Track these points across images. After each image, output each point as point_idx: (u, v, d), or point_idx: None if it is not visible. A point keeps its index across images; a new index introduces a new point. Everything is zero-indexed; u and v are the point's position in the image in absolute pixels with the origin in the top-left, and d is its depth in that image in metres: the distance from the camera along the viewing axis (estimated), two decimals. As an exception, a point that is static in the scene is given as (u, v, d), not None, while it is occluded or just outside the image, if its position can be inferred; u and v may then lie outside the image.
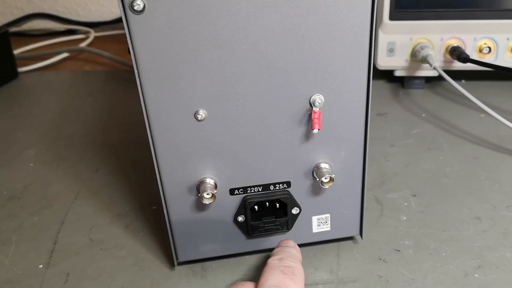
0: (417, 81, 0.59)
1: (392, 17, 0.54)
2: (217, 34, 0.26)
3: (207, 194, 0.30)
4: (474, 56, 0.55)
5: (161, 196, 0.31)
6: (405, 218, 0.38)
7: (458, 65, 0.55)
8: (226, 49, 0.27)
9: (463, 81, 0.60)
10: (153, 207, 0.41)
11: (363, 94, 0.30)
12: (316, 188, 0.32)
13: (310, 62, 0.28)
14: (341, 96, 0.29)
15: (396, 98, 0.57)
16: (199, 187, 0.30)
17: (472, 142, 0.48)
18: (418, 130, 0.51)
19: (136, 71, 0.27)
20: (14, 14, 0.81)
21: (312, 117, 0.29)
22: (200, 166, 0.30)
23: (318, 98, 0.29)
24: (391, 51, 0.56)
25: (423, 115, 0.53)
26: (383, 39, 0.55)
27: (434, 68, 0.51)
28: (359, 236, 0.35)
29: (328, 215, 0.34)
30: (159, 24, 0.26)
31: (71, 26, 0.80)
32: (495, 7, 0.52)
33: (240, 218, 0.32)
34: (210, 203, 0.30)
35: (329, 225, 0.34)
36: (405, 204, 0.40)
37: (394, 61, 0.56)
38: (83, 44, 0.74)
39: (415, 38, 0.55)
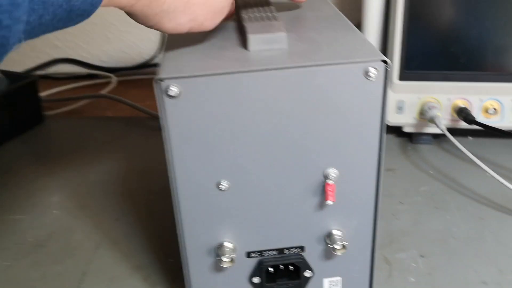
0: (425, 137, 0.61)
1: (402, 78, 0.57)
2: (242, 115, 0.29)
3: (226, 258, 0.32)
4: (480, 115, 0.57)
5: (182, 257, 0.33)
6: (413, 279, 0.40)
7: (465, 124, 0.57)
8: (249, 128, 0.30)
9: (470, 138, 0.62)
10: (170, 260, 0.43)
11: (374, 168, 0.32)
12: (329, 252, 0.34)
13: (325, 140, 0.31)
14: (354, 169, 0.32)
15: (404, 154, 0.59)
16: (218, 250, 0.32)
17: (478, 202, 0.50)
18: (426, 188, 0.52)
19: (167, 146, 0.29)
20: (41, 59, 0.86)
21: (326, 189, 0.31)
22: (220, 230, 0.32)
23: (332, 172, 0.31)
24: (400, 108, 0.58)
25: (431, 172, 0.55)
26: (393, 97, 0.58)
27: (442, 130, 0.53)
28: (369, 298, 0.37)
29: (340, 278, 0.35)
30: (190, 107, 0.28)
31: (94, 71, 0.85)
32: (500, 70, 0.55)
33: (256, 280, 0.34)
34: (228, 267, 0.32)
35: (340, 287, 0.36)
36: (413, 264, 0.41)
37: (403, 118, 0.59)
38: (105, 90, 0.78)
39: (423, 97, 0.57)
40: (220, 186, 0.31)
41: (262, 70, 0.28)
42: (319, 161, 0.31)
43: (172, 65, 0.29)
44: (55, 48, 0.86)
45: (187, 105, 0.28)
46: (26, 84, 0.67)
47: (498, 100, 0.56)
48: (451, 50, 0.55)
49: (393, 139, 0.62)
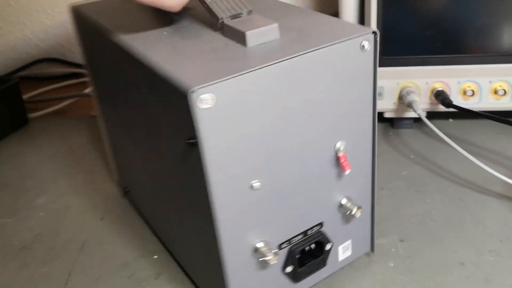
0: (406, 121, 0.61)
1: (380, 64, 0.57)
2: (267, 110, 0.30)
3: (270, 255, 0.32)
4: (458, 98, 0.57)
5: (221, 264, 0.32)
6: (392, 264, 0.41)
7: (444, 107, 0.57)
8: (275, 121, 0.30)
9: (450, 120, 0.62)
10: (155, 256, 0.44)
11: (370, 131, 0.35)
12: (342, 220, 0.37)
13: (334, 116, 0.33)
14: (356, 137, 0.35)
15: (386, 139, 0.60)
16: (257, 251, 0.33)
17: (458, 184, 0.50)
18: (407, 172, 0.53)
19: (202, 155, 0.28)
20: (24, 60, 0.85)
21: (341, 161, 0.33)
22: (256, 230, 0.33)
23: (342, 144, 0.34)
24: (379, 94, 0.59)
25: (412, 156, 0.56)
26: (372, 84, 0.58)
27: (419, 115, 0.54)
28: (371, 252, 0.41)
29: (350, 240, 0.38)
30: (222, 114, 0.28)
31: (77, 69, 0.84)
32: (477, 52, 0.55)
33: (289, 269, 0.35)
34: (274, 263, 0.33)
35: (350, 250, 0.39)
36: (393, 249, 0.42)
37: (383, 104, 0.59)
38: (89, 88, 0.78)
39: (401, 82, 0.58)
40: (253, 186, 0.31)
41: (281, 60, 0.28)
42: (331, 137, 0.33)
43: (190, 75, 0.27)
44: (37, 48, 0.86)
45: (219, 112, 0.27)
46: (8, 87, 0.67)
47: (475, 82, 0.57)
48: (428, 34, 0.55)
49: (375, 125, 0.63)
